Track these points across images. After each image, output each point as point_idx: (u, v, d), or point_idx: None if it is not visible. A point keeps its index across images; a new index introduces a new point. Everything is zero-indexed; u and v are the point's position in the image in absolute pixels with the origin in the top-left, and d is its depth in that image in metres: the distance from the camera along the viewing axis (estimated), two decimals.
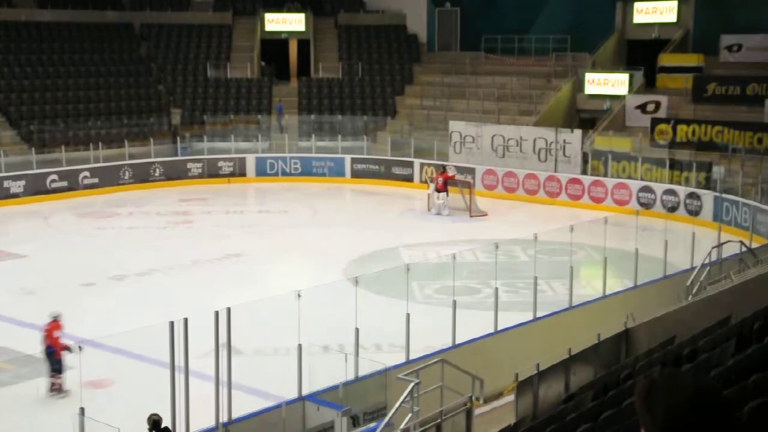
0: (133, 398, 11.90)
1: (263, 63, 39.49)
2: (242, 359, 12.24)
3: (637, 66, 32.84)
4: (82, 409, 9.31)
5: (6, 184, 28.57)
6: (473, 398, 10.11)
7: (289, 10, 40.66)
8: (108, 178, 30.92)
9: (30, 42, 37.04)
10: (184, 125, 35.57)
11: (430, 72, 38.06)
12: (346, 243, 22.70)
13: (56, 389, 12.42)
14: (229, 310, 10.42)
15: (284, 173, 33.14)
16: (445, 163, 29.95)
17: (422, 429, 9.25)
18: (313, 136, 34.47)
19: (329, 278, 17.90)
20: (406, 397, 9.60)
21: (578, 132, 29.02)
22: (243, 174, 33.19)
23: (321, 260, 20.95)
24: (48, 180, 29.58)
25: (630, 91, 31.80)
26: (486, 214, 26.43)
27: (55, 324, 12.81)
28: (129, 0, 41.37)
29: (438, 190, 26.73)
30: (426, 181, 29.09)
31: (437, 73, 37.41)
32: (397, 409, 9.60)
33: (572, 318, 14.20)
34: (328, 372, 11.59)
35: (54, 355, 12.48)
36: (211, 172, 32.96)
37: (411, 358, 12.26)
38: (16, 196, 28.54)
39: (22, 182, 28.95)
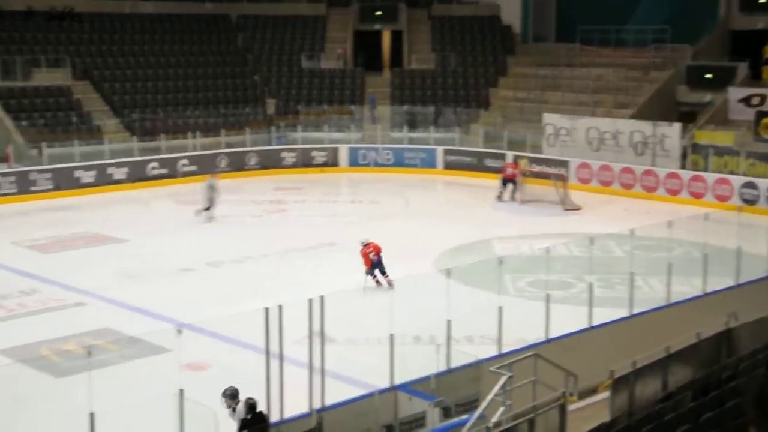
0: (228, 382, 12.13)
1: (339, 51, 39.55)
2: (335, 347, 12.35)
3: (742, 57, 31.75)
4: (181, 391, 9.55)
5: (110, 170, 29.57)
6: (567, 394, 9.96)
7: (383, 2, 40.78)
8: (205, 166, 31.57)
9: (133, 33, 38.12)
10: (279, 115, 36.10)
11: (524, 64, 37.61)
12: (437, 234, 22.66)
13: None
14: (322, 298, 10.51)
15: (377, 164, 33.30)
16: (532, 155, 29.80)
17: (514, 423, 9.17)
18: (406, 127, 34.54)
19: (420, 269, 17.91)
20: (498, 390, 9.53)
21: (677, 125, 28.24)
22: (336, 164, 33.50)
23: (412, 251, 20.94)
24: (149, 167, 30.47)
25: (734, 83, 30.78)
26: (580, 208, 26.01)
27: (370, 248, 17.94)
28: None
29: (507, 180, 27.13)
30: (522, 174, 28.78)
31: (531, 65, 36.93)
32: (490, 402, 9.53)
33: (670, 315, 13.84)
34: (420, 362, 11.59)
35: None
36: (305, 161, 33.38)
37: (503, 351, 12.16)
38: (119, 182, 29.50)
39: (125, 169, 29.91)
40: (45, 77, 33.72)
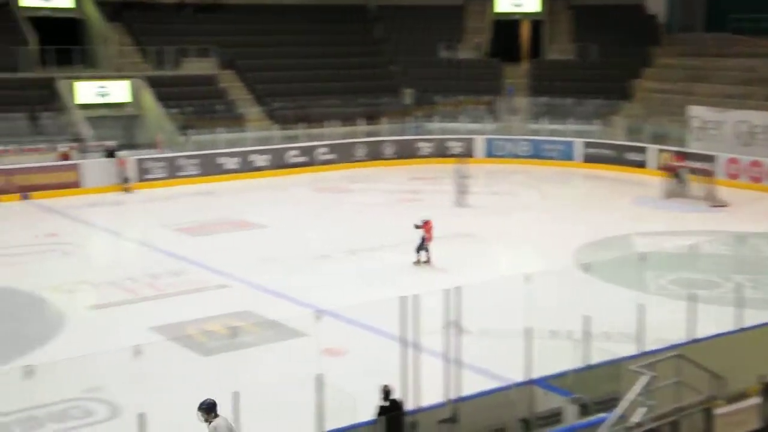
0: (365, 368, 12.31)
1: (477, 41, 39.20)
2: (470, 339, 12.30)
3: None
4: (320, 375, 9.75)
5: (251, 157, 30.49)
6: (713, 397, 9.59)
7: None
8: (343, 155, 32.18)
9: (276, 24, 39.08)
10: (416, 105, 36.24)
11: (669, 54, 36.31)
12: (575, 228, 22.24)
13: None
14: (459, 289, 10.49)
15: (513, 155, 32.95)
16: (676, 149, 28.85)
17: (656, 424, 8.90)
18: (544, 118, 34.01)
19: (558, 263, 17.63)
20: (639, 390, 9.26)
21: None
22: (471, 155, 33.35)
23: (549, 245, 20.65)
24: (288, 155, 31.23)
25: None
26: (727, 205, 24.94)
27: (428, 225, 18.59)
28: None
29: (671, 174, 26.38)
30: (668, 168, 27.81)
31: (677, 55, 35.62)
32: (630, 401, 9.28)
33: None
34: (556, 358, 11.41)
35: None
36: (441, 151, 33.41)
37: (644, 349, 11.81)
38: (260, 169, 30.38)
39: (266, 156, 30.76)
40: (193, 67, 35.06)
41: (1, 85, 31.12)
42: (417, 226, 18.91)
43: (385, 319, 12.05)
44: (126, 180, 27.63)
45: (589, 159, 31.82)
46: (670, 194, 25.89)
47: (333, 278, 17.86)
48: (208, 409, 9.05)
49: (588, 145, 32.15)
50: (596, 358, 11.42)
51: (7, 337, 14.05)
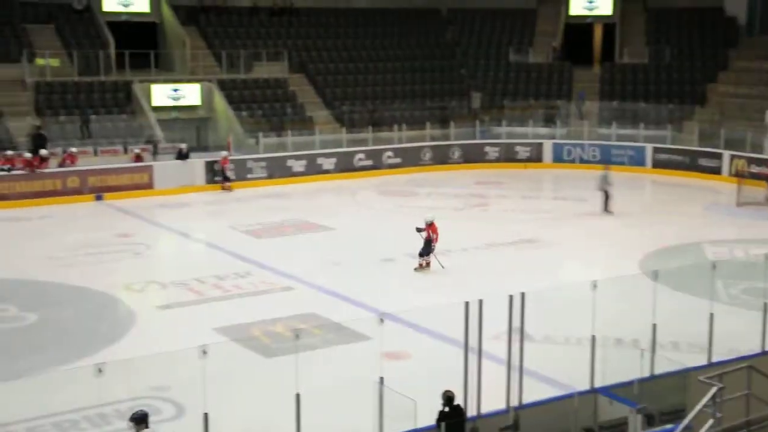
0: (427, 373, 12.27)
1: (556, 46, 38.82)
2: (533, 345, 12.18)
3: None
4: (381, 379, 9.76)
5: (319, 160, 30.73)
6: None
7: None
8: (409, 159, 32.21)
9: (346, 28, 39.38)
10: (484, 109, 36.07)
11: (748, 57, 35.42)
12: (643, 235, 21.85)
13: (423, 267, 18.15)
14: (523, 295, 10.40)
15: (581, 160, 32.53)
16: (753, 155, 28.01)
17: None
18: (614, 123, 33.50)
19: (625, 270, 17.33)
20: (707, 401, 9.05)
21: None
22: (539, 159, 33.06)
23: (617, 251, 20.33)
24: (356, 158, 31.39)
25: None
26: None
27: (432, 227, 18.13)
28: None
29: None
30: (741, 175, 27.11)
31: (757, 59, 34.70)
32: (697, 412, 9.07)
33: None
34: (621, 366, 11.22)
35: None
36: (508, 156, 33.19)
37: (713, 360, 11.54)
38: (327, 172, 30.61)
39: (334, 159, 30.98)
40: (264, 70, 35.53)
41: (81, 88, 32.03)
42: (419, 230, 18.42)
43: (448, 323, 12.00)
44: (226, 179, 28.08)
45: (660, 165, 31.23)
46: (744, 201, 25.23)
47: (397, 282, 17.87)
48: (139, 419, 8.88)
49: (659, 150, 31.55)
50: (663, 368, 11.18)
51: (80, 335, 14.43)
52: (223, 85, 33.77)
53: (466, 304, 10.15)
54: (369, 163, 31.59)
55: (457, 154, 33.14)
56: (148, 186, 27.56)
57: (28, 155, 26.27)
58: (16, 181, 25.62)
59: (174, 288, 17.04)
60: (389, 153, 32.07)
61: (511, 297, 10.32)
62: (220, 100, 33.10)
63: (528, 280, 16.11)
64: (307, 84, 36.04)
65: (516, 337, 10.48)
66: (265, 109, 33.66)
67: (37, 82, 31.54)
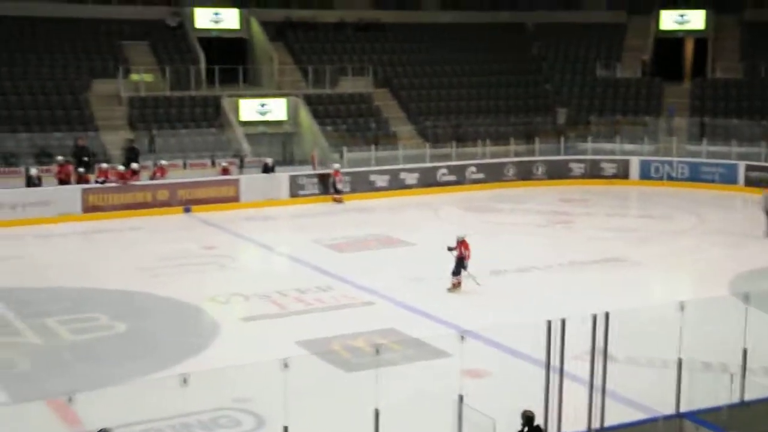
0: (506, 391, 12.16)
1: (644, 58, 38.11)
2: (616, 366, 11.94)
3: None
4: (460, 396, 9.71)
5: (402, 175, 30.81)
6: None
7: (687, 7, 38.89)
8: (493, 174, 32.04)
9: (431, 43, 39.45)
10: (569, 124, 35.64)
11: None
12: (734, 255, 21.23)
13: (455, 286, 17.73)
14: (607, 315, 10.21)
15: (669, 177, 31.82)
16: None
17: None
18: (704, 139, 32.67)
19: (714, 291, 16.87)
20: None
21: None
22: (626, 176, 32.47)
23: (706, 271, 19.80)
24: (438, 173, 31.37)
25: None
26: None
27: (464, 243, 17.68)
28: (524, 0, 42.36)
29: None
30: None
31: None
32: None
33: None
34: (709, 391, 10.91)
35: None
36: (594, 172, 32.70)
37: None
38: (410, 187, 30.66)
39: (416, 174, 31.03)
40: (349, 85, 35.88)
41: (172, 102, 32.94)
42: (451, 248, 17.92)
43: (529, 342, 11.88)
44: (338, 191, 28.55)
45: (753, 183, 30.28)
46: None
47: (478, 299, 17.75)
48: None
49: (752, 168, 30.61)
50: (754, 394, 10.84)
51: (167, 345, 14.76)
52: (308, 100, 34.22)
53: (548, 322, 10.02)
54: (452, 178, 31.53)
55: (541, 170, 32.81)
56: (234, 199, 28.06)
57: (121, 168, 27.08)
58: (109, 193, 26.44)
59: (257, 300, 17.28)
60: (472, 168, 31.96)
61: (594, 316, 10.15)
62: (305, 115, 33.54)
63: (612, 299, 15.81)
64: (392, 99, 36.24)
65: (599, 358, 10.30)
66: (350, 123, 33.96)
67: (131, 97, 32.53)
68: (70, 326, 15.55)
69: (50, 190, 25.93)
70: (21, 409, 11.96)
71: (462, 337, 10.24)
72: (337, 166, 29.23)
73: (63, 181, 26.53)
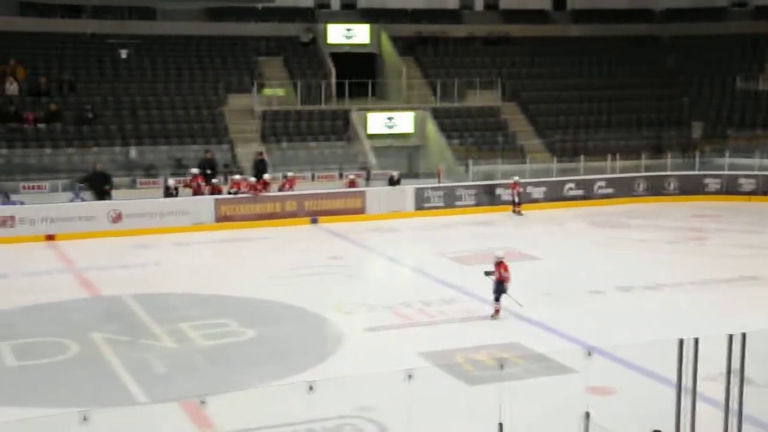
0: (635, 411, 11.78)
1: None
2: (754, 389, 11.38)
3: None
4: (587, 414, 9.47)
5: (528, 189, 30.43)
6: None
7: None
8: (622, 189, 31.25)
9: (561, 56, 38.92)
10: (705, 138, 34.38)
11: None
12: None
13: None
14: (744, 335, 9.75)
15: None
16: None
17: None
18: None
19: None
20: None
21: None
22: (765, 193, 31.03)
23: None
24: (565, 187, 30.83)
25: None
26: None
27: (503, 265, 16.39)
28: (660, 13, 41.28)
29: None
30: None
31: None
32: None
33: None
34: None
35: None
36: (730, 188, 31.40)
37: None
38: (536, 201, 30.25)
39: (543, 188, 30.58)
40: (477, 98, 35.82)
41: (303, 116, 33.72)
42: (488, 273, 16.52)
43: (659, 361, 11.48)
44: (517, 203, 28.62)
45: None
46: None
47: (605, 315, 17.31)
48: None
49: None
50: None
51: (293, 352, 15.03)
52: (436, 114, 34.34)
53: (680, 341, 9.66)
54: (579, 192, 30.92)
55: (673, 185, 31.74)
56: (360, 211, 28.38)
57: (252, 180, 27.86)
58: (241, 203, 27.24)
59: (381, 311, 17.39)
60: (601, 183, 31.25)
61: (730, 336, 9.71)
62: (432, 128, 33.66)
63: (747, 319, 15.11)
64: (520, 112, 35.93)
65: (735, 380, 9.84)
66: (476, 137, 33.87)
67: (264, 110, 33.48)
68: (203, 331, 16.04)
69: (186, 200, 26.93)
70: (157, 409, 12.41)
71: (588, 353, 10.00)
72: (515, 178, 29.09)
73: (195, 191, 27.51)
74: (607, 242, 24.62)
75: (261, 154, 30.03)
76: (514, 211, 28.86)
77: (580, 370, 11.55)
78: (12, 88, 31.57)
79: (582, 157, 32.23)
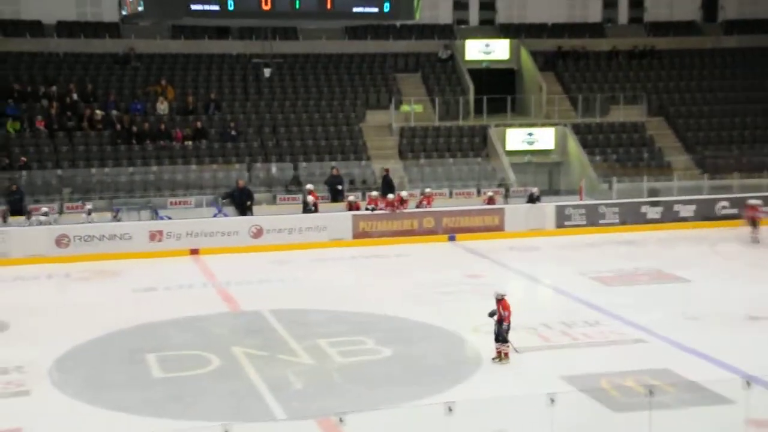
0: None
1: None
2: None
3: None
4: None
5: (676, 207, 29.25)
6: None
7: None
8: None
9: (712, 68, 37.49)
10: None
11: None
12: None
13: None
14: None
15: None
16: None
17: None
18: None
19: None
20: None
21: None
22: None
23: None
24: (718, 206, 29.44)
25: None
26: None
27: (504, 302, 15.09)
28: None
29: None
30: None
31: None
32: None
33: None
34: None
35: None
36: None
37: None
38: (684, 219, 29.02)
39: (692, 207, 29.30)
40: (621, 114, 34.90)
41: (441, 132, 33.74)
42: (491, 314, 15.14)
43: None
44: (755, 227, 26.73)
45: None
46: None
47: (764, 342, 16.31)
48: None
49: None
50: None
51: (430, 372, 14.88)
52: (577, 129, 33.65)
53: None
54: (733, 211, 29.41)
55: None
56: (499, 228, 27.99)
57: (391, 196, 27.96)
58: (378, 220, 27.37)
59: (521, 332, 16.96)
60: (756, 201, 29.61)
61: None
62: (573, 144, 32.98)
63: None
64: (667, 127, 34.73)
65: None
66: (620, 153, 32.96)
67: (402, 127, 33.68)
68: (340, 348, 16.10)
69: (325, 216, 27.30)
70: (295, 425, 12.51)
71: (747, 383, 9.40)
72: (753, 201, 27.01)
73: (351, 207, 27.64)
74: (765, 265, 23.29)
75: (386, 171, 30.16)
76: (753, 239, 26.27)
77: (737, 401, 10.89)
78: (162, 107, 33.06)
79: (736, 174, 30.71)
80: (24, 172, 29.17)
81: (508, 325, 15.07)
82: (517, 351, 15.25)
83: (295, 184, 30.56)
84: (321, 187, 29.76)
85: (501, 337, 15.08)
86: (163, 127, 31.91)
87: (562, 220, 28.54)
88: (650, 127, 34.60)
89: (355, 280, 23.09)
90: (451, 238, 27.53)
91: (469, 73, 36.29)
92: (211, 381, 14.52)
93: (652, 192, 29.80)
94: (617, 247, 26.16)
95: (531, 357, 15.60)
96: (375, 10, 14.57)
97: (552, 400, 8.53)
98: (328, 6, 14.29)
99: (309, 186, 28.51)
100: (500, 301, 15.19)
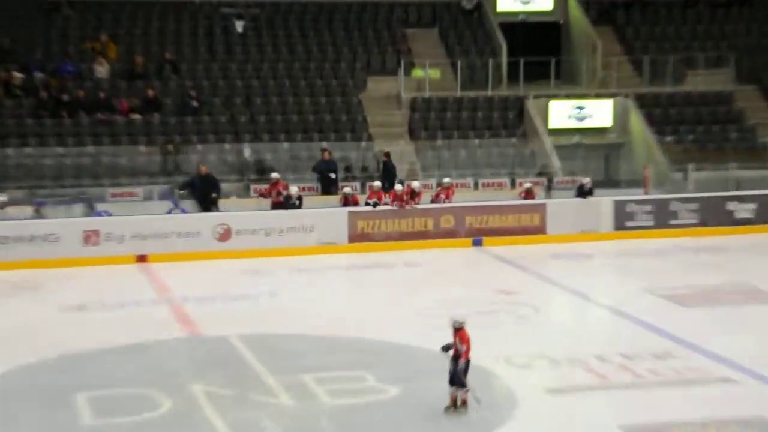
0: None
1: None
2: None
3: None
4: None
5: None
6: None
7: None
8: None
9: None
10: None
11: None
12: None
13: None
14: None
15: None
16: None
17: None
18: None
19: None
20: None
21: None
22: None
23: None
24: None
25: None
26: None
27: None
28: None
29: None
30: None
31: None
32: None
33: None
34: None
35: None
36: None
37: None
38: None
39: None
40: (700, 81, 34.85)
41: (463, 105, 33.60)
42: (445, 348, 14.36)
43: None
44: None
45: None
46: None
47: None
48: None
49: None
50: None
51: (450, 419, 14.70)
52: (642, 102, 33.66)
53: None
54: None
55: None
56: (539, 230, 27.98)
57: (399, 188, 27.77)
58: (382, 218, 27.20)
59: (568, 366, 16.90)
60: None
61: None
62: (637, 121, 32.98)
63: None
64: (761, 98, 34.65)
65: None
66: (699, 133, 32.94)
67: (414, 98, 33.53)
68: (330, 386, 15.95)
69: (312, 213, 27.14)
70: None
71: None
72: None
73: (275, 204, 27.38)
74: None
75: (387, 155, 30.01)
76: None
77: None
78: (101, 70, 32.94)
79: None
80: None
81: (467, 363, 14.27)
82: (477, 401, 14.39)
83: (257, 172, 30.28)
84: (309, 176, 29.59)
85: (457, 378, 14.26)
86: (102, 95, 31.81)
87: (622, 219, 28.51)
88: (740, 97, 34.62)
89: (351, 297, 23.01)
90: (477, 243, 27.46)
91: (502, 28, 36.25)
92: (161, 429, 14.27)
93: (742, 183, 29.66)
94: (695, 256, 26.24)
95: (581, 399, 15.45)
96: None
97: None
98: None
99: (274, 174, 28.17)
100: (458, 330, 14.41)
